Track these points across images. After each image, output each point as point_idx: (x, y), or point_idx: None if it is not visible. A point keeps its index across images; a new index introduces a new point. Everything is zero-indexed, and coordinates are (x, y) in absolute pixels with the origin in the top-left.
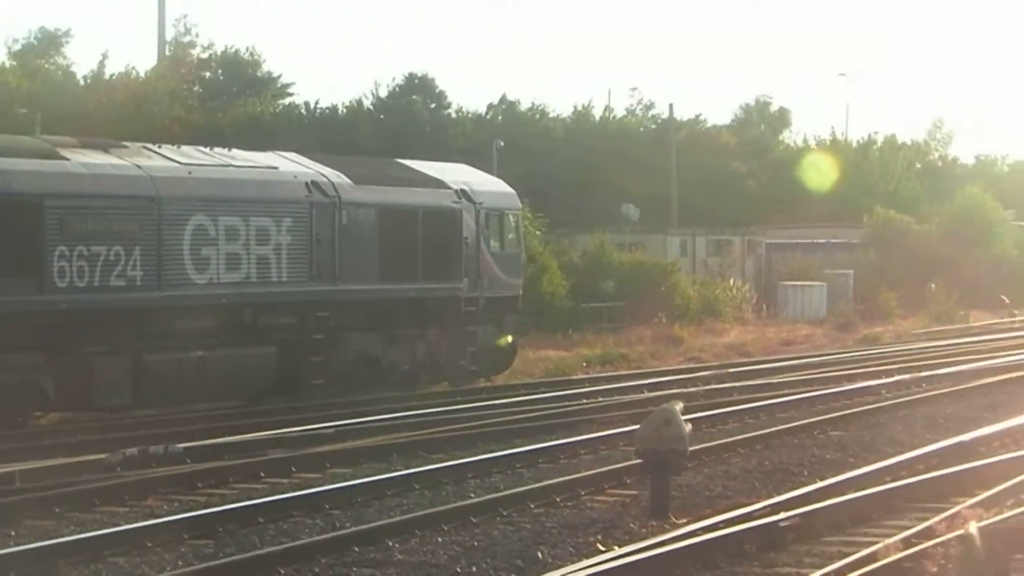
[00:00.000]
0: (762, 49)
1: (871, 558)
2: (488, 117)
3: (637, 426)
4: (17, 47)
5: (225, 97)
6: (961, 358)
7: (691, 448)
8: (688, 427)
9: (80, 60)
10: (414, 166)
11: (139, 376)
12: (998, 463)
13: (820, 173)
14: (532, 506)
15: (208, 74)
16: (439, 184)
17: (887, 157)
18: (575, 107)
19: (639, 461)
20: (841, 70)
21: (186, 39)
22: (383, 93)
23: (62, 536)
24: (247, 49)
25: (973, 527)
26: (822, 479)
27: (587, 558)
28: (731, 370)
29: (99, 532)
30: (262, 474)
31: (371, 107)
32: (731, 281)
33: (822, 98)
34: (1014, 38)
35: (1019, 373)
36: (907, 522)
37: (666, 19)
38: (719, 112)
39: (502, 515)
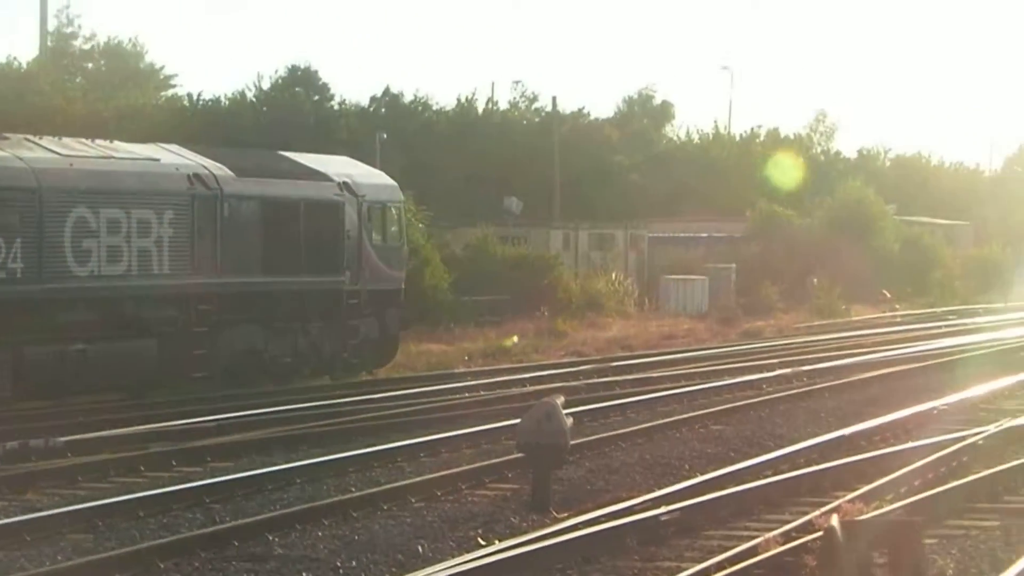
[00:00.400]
0: (645, 42)
1: (751, 552)
2: (371, 110)
3: (519, 420)
4: None
5: (108, 88)
6: (842, 352)
7: (572, 442)
8: (569, 421)
9: None
10: (297, 159)
11: (19, 369)
12: (878, 457)
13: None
14: (413, 500)
15: (91, 65)
16: (321, 177)
17: (770, 151)
18: (458, 100)
19: (520, 455)
20: (724, 63)
21: (68, 30)
22: (266, 85)
23: None
24: (130, 40)
25: (835, 521)
26: (703, 473)
27: (468, 552)
28: (613, 364)
29: None
30: (143, 468)
31: (254, 99)
32: (613, 275)
33: (705, 92)
34: (896, 33)
35: (900, 367)
36: (787, 516)
37: (549, 11)
38: (602, 105)
39: (383, 509)
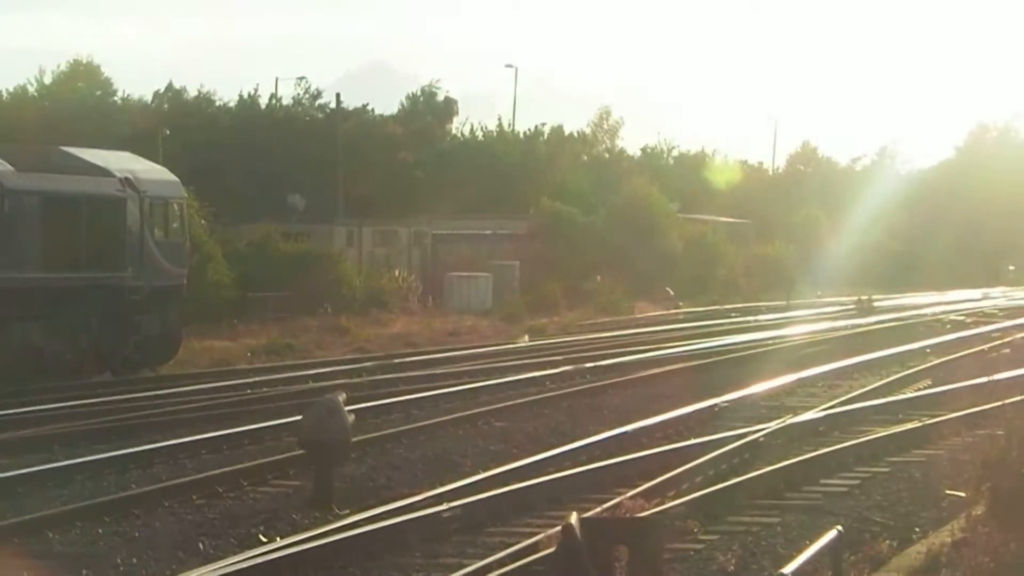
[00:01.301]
0: (430, 38)
1: (533, 548)
2: (154, 105)
3: (301, 416)
4: None
5: None
6: (625, 350)
7: (355, 439)
8: (351, 418)
9: None
10: (79, 154)
11: None
12: (660, 454)
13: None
14: (195, 497)
15: None
16: (104, 172)
17: (554, 148)
18: (240, 96)
19: (302, 452)
20: (508, 62)
21: None
22: (48, 80)
23: None
24: None
25: (574, 518)
26: (486, 470)
27: (249, 549)
28: (396, 361)
29: None
30: None
31: (36, 94)
32: (397, 272)
33: (490, 89)
34: (678, 31)
35: (681, 365)
36: (569, 512)
37: (333, 10)
38: (386, 102)
39: (164, 506)
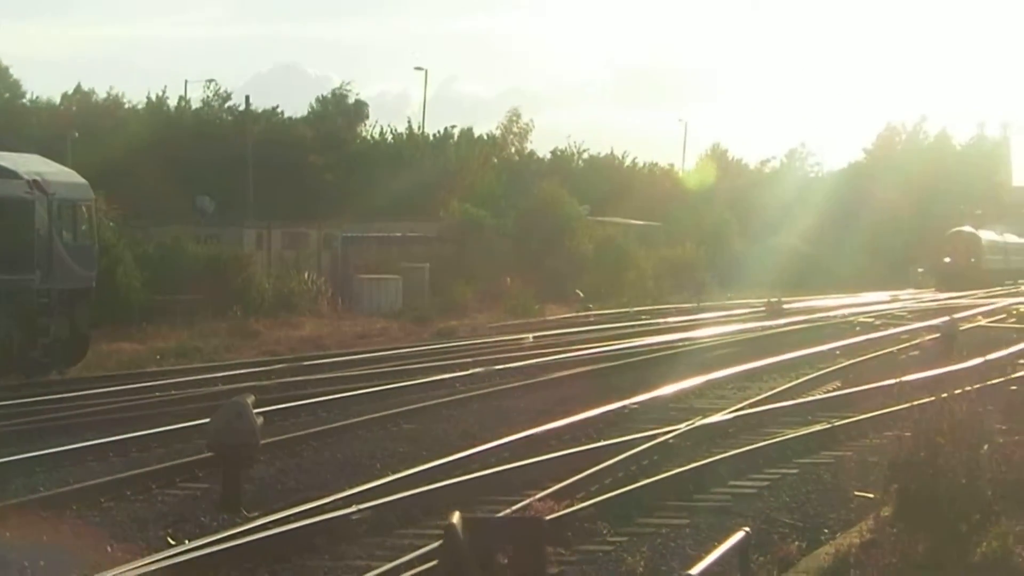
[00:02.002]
0: (340, 42)
1: None
2: (62, 107)
3: (209, 419)
4: None
5: None
6: (534, 352)
7: (263, 441)
8: (260, 420)
9: None
10: None
11: None
12: (569, 456)
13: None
14: (102, 500)
15: None
16: (11, 175)
17: (464, 151)
18: (148, 98)
19: (211, 454)
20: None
21: None
22: None
23: None
24: None
25: (456, 517)
26: (395, 472)
27: (157, 552)
28: (306, 363)
29: None
30: None
31: None
32: (306, 274)
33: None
34: (586, 32)
35: (591, 367)
36: (478, 514)
37: (243, 14)
38: (296, 105)
39: (72, 509)
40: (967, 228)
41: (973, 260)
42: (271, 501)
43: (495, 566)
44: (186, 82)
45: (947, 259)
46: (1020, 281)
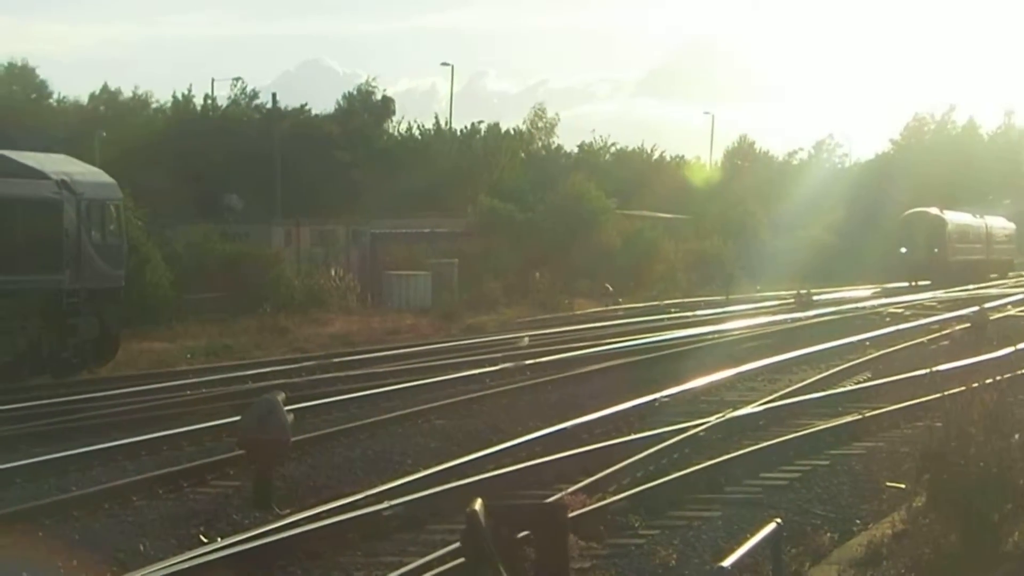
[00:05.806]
0: (367, 38)
1: None
2: (89, 107)
3: (240, 417)
4: None
5: None
6: (565, 346)
7: (294, 438)
8: (291, 417)
9: None
10: (14, 157)
11: None
12: (600, 449)
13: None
14: (135, 499)
15: None
16: (39, 175)
17: (491, 146)
18: (174, 97)
19: (242, 452)
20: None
21: None
22: None
23: None
24: None
25: (478, 504)
26: (426, 468)
27: (190, 550)
28: (336, 360)
29: None
30: None
31: None
32: (335, 271)
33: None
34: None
35: (622, 360)
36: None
37: (270, 12)
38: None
39: (104, 508)
40: (932, 209)
41: (936, 251)
42: (303, 498)
43: (518, 551)
44: (213, 80)
45: (903, 249)
46: (1009, 275)
